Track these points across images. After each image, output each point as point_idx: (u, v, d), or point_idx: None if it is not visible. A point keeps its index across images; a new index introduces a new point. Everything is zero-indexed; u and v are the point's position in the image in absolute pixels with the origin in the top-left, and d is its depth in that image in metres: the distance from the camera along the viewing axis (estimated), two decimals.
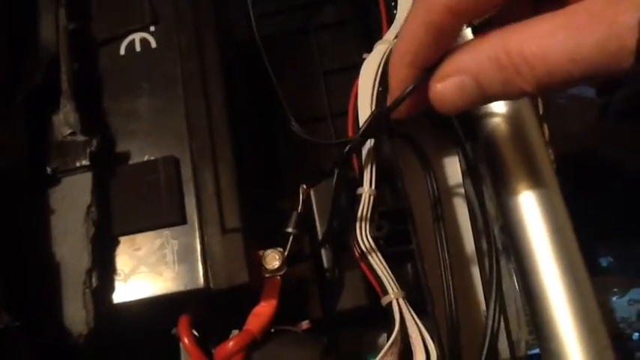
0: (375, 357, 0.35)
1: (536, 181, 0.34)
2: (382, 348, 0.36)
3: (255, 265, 0.31)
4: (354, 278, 0.37)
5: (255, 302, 0.33)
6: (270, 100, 0.39)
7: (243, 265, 0.30)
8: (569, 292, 0.33)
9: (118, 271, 0.31)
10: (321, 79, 0.42)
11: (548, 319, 0.33)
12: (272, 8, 0.43)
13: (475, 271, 0.41)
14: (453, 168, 0.44)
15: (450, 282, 0.36)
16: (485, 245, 0.41)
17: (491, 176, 0.37)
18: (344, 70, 0.41)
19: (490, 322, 0.33)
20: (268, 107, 0.40)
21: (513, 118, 0.37)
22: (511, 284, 0.40)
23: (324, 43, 0.43)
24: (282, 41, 0.43)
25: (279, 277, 0.33)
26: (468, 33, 0.31)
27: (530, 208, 0.35)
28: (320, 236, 0.37)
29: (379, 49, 0.39)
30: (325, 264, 0.37)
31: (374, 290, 0.36)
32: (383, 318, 0.36)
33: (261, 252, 0.32)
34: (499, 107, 0.37)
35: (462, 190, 0.44)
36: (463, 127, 0.41)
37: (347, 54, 0.42)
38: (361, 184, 0.37)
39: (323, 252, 0.37)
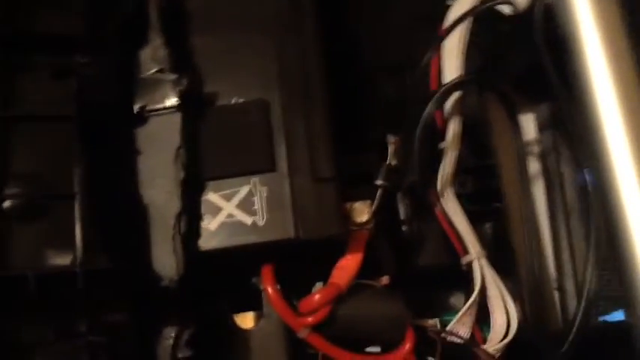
0: (451, 316, 0.35)
1: None
2: (456, 307, 0.36)
3: (344, 216, 0.30)
4: (433, 234, 0.36)
5: (339, 254, 0.32)
6: (351, 45, 0.38)
7: (336, 216, 0.29)
8: None
9: (206, 217, 0.30)
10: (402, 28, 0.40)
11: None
12: None
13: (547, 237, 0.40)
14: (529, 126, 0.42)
15: (534, 243, 0.35)
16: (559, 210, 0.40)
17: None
18: (425, 19, 0.39)
19: (588, 281, 0.32)
20: (349, 53, 0.38)
21: None
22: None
23: None
24: None
25: (366, 231, 0.32)
26: None
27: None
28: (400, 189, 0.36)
29: None
30: (403, 218, 0.36)
31: (453, 247, 0.35)
32: (459, 277, 0.35)
33: (348, 204, 0.31)
34: None
35: (537, 150, 0.42)
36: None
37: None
38: (444, 139, 0.35)
39: (400, 206, 0.36)
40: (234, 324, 0.32)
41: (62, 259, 0.24)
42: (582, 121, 0.36)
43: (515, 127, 0.37)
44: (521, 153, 0.36)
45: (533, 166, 0.41)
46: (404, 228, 0.36)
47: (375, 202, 0.31)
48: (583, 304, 0.32)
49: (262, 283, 0.31)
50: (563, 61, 0.37)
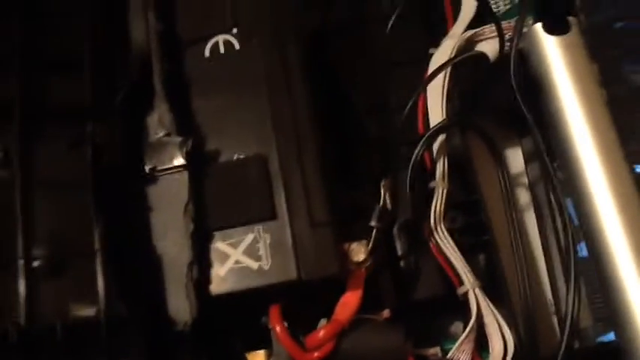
0: (451, 344, 0.37)
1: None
2: (456, 335, 0.38)
3: (342, 256, 0.33)
4: (429, 268, 0.38)
5: (340, 292, 0.34)
6: (337, 93, 0.40)
7: (334, 257, 0.32)
8: None
9: (215, 265, 0.32)
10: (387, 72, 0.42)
11: (624, 306, 0.34)
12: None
13: (541, 263, 0.42)
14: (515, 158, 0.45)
15: (525, 270, 0.37)
16: (550, 236, 0.42)
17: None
18: (410, 64, 0.42)
19: (570, 307, 0.34)
20: (336, 101, 0.41)
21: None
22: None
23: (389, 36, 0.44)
24: (346, 33, 0.43)
25: (363, 270, 0.34)
26: None
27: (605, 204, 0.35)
28: (395, 228, 0.38)
29: (447, 44, 0.40)
30: (400, 253, 0.38)
31: (448, 279, 0.37)
32: (457, 306, 0.38)
33: (346, 245, 0.34)
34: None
35: (525, 180, 0.44)
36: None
37: (412, 49, 0.43)
38: (434, 178, 0.38)
39: (397, 243, 0.38)
40: None
41: (87, 311, 0.27)
42: (559, 154, 0.39)
43: (498, 161, 0.39)
44: (505, 185, 0.39)
45: (523, 196, 0.43)
46: (401, 263, 0.38)
47: (371, 242, 0.34)
48: (567, 328, 0.34)
49: (270, 322, 0.33)
50: (539, 100, 0.40)
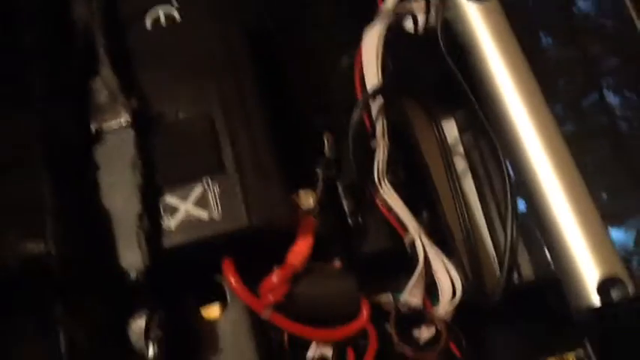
0: (400, 295, 0.38)
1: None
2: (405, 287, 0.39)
3: (290, 204, 0.34)
4: (375, 224, 0.39)
5: (290, 243, 0.35)
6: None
7: (283, 203, 0.33)
8: (572, 209, 0.36)
9: (165, 218, 0.33)
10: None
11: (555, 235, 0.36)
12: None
13: (481, 220, 0.44)
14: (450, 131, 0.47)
15: (465, 215, 0.39)
16: (488, 195, 0.45)
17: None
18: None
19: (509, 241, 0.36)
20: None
21: None
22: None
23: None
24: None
25: (312, 217, 0.35)
26: None
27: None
28: (340, 187, 0.40)
29: (380, 19, 0.43)
30: (347, 211, 0.39)
31: (396, 234, 0.39)
32: (406, 261, 0.39)
33: (294, 194, 0.35)
34: None
35: (461, 149, 0.47)
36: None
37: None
38: (374, 138, 0.40)
39: (344, 202, 0.40)
40: (201, 317, 0.34)
41: (37, 249, 0.27)
42: (490, 113, 0.41)
43: (434, 119, 0.41)
44: (441, 140, 0.41)
45: (460, 163, 0.46)
46: (349, 220, 0.40)
47: (318, 189, 0.35)
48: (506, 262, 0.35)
49: (224, 273, 0.33)
50: (467, 67, 0.43)
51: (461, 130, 0.47)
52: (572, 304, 0.36)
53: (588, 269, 0.35)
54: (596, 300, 0.35)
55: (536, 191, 0.38)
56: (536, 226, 0.38)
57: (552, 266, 0.37)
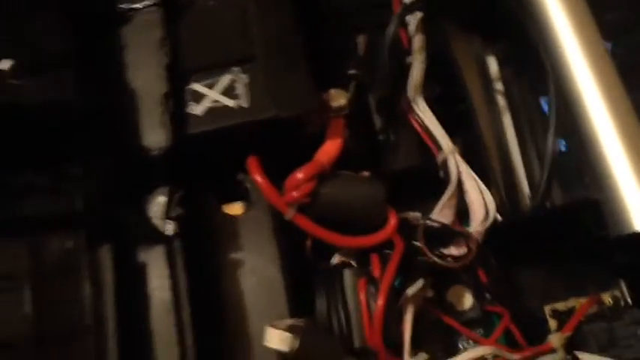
0: None
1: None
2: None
3: (318, 95, 0.32)
4: (407, 140, 0.37)
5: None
6: None
7: (312, 93, 0.31)
8: (620, 133, 0.34)
9: (191, 104, 0.31)
10: None
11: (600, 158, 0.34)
12: None
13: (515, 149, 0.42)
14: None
15: (503, 133, 0.37)
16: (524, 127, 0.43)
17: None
18: None
19: (549, 156, 0.34)
20: None
21: None
22: None
23: None
24: None
25: (343, 118, 0.33)
26: None
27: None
28: (372, 102, 0.38)
29: None
30: (378, 126, 0.38)
31: (428, 153, 0.37)
32: (437, 182, 0.37)
33: (325, 92, 0.33)
34: None
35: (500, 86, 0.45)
36: None
37: None
38: (411, 54, 0.38)
39: (375, 116, 0.38)
40: (222, 212, 0.32)
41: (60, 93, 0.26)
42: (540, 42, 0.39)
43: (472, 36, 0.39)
44: (481, 64, 0.39)
45: (499, 96, 0.44)
46: (380, 137, 0.38)
47: (350, 88, 0.33)
48: (546, 171, 0.33)
49: (249, 170, 0.32)
50: None
51: (501, 63, 0.45)
52: (612, 229, 0.34)
53: (632, 192, 0.33)
54: (638, 224, 0.33)
55: (583, 115, 0.36)
56: (579, 150, 0.36)
57: (589, 191, 0.35)
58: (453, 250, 0.35)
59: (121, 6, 0.32)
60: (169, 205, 0.28)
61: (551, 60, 0.37)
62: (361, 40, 0.35)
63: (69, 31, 0.28)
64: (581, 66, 0.37)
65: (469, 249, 0.33)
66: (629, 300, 0.37)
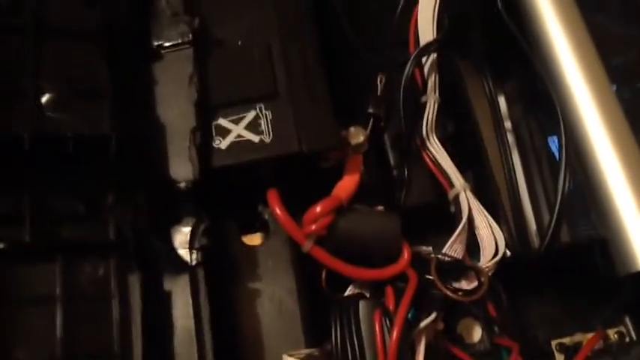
0: None
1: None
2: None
3: (339, 132, 0.33)
4: (420, 177, 0.39)
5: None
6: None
7: (334, 130, 0.33)
8: (626, 172, 0.36)
9: (217, 139, 0.33)
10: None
11: (607, 197, 0.36)
12: None
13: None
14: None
15: (513, 171, 0.38)
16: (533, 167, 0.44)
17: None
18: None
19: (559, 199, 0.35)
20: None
21: None
22: None
23: None
24: None
25: (361, 155, 0.35)
26: None
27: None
28: (387, 139, 0.39)
29: None
30: (392, 163, 0.39)
31: (440, 190, 0.38)
32: (448, 218, 0.38)
33: (344, 130, 0.35)
34: None
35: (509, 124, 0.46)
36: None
37: None
38: (425, 93, 0.40)
39: (390, 152, 0.39)
40: (242, 242, 0.34)
41: (97, 127, 0.27)
42: (548, 79, 0.41)
43: (485, 78, 0.41)
44: (493, 99, 0.40)
45: (509, 136, 0.45)
46: (394, 172, 0.39)
47: (369, 127, 0.35)
48: (556, 210, 0.35)
49: (269, 203, 0.33)
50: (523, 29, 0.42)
51: (509, 103, 0.46)
52: (619, 267, 0.35)
53: (638, 231, 0.35)
54: None
55: (590, 154, 0.37)
56: (586, 189, 0.37)
57: (597, 230, 0.36)
58: (465, 284, 0.36)
59: (154, 43, 0.34)
60: (194, 235, 0.29)
61: (560, 100, 0.39)
62: (380, 78, 0.37)
63: (105, 66, 0.29)
64: (589, 107, 0.38)
65: (480, 283, 0.35)
66: (634, 336, 0.38)
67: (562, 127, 0.36)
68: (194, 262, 0.29)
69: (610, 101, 0.38)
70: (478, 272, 0.35)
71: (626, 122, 0.37)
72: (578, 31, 0.39)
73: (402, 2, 0.40)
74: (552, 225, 0.34)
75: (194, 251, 0.29)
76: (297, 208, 0.34)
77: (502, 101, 0.46)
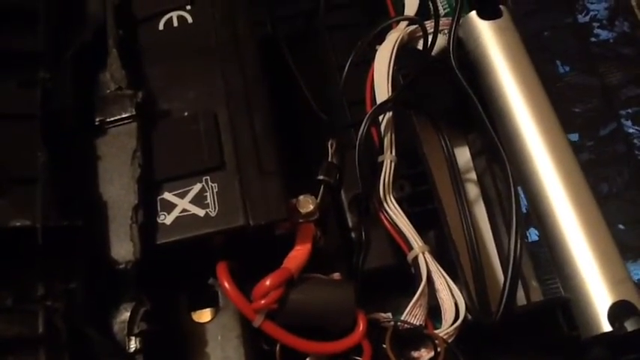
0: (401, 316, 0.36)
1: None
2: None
3: (288, 205, 0.33)
4: (379, 239, 0.38)
5: (288, 250, 0.34)
6: (289, 94, 0.42)
7: (281, 203, 0.32)
8: (586, 232, 0.35)
9: (162, 214, 0.32)
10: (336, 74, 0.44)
11: (568, 259, 0.35)
12: (285, 12, 0.47)
13: (490, 243, 0.42)
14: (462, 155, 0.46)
15: (472, 234, 0.37)
16: (498, 219, 0.43)
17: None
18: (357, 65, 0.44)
19: (511, 262, 0.34)
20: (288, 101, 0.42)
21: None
22: None
23: (338, 42, 0.46)
24: (297, 41, 0.46)
25: (312, 224, 0.34)
26: None
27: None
28: (345, 201, 0.39)
29: (391, 37, 0.43)
30: (350, 225, 0.38)
31: (399, 251, 0.38)
32: (408, 281, 0.37)
33: (294, 199, 0.34)
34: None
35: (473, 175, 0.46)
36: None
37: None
38: (382, 153, 0.39)
39: (348, 215, 0.39)
40: (190, 318, 0.33)
41: (23, 221, 0.26)
42: (504, 138, 0.40)
43: (442, 138, 0.40)
44: (451, 159, 0.40)
45: (471, 188, 0.45)
46: (352, 235, 0.38)
47: (319, 195, 0.34)
48: (509, 275, 0.34)
49: (218, 276, 0.32)
50: (479, 87, 0.42)
51: (473, 155, 0.46)
52: (582, 329, 0.34)
53: (599, 293, 0.34)
54: (606, 325, 0.33)
55: (549, 214, 0.36)
56: (547, 249, 0.36)
57: (561, 292, 0.36)
58: (424, 353, 0.35)
59: (97, 118, 0.33)
60: (132, 321, 0.28)
61: (514, 157, 0.39)
62: (331, 143, 0.36)
63: (43, 149, 0.29)
64: (546, 165, 0.38)
65: (436, 353, 0.34)
66: None
67: (512, 191, 0.35)
68: (132, 349, 0.28)
69: (568, 158, 0.37)
70: (434, 340, 0.34)
71: (585, 179, 0.37)
72: (532, 86, 0.39)
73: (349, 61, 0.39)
74: (506, 291, 0.33)
75: (132, 337, 0.28)
76: (253, 278, 0.33)
77: (465, 153, 0.46)
